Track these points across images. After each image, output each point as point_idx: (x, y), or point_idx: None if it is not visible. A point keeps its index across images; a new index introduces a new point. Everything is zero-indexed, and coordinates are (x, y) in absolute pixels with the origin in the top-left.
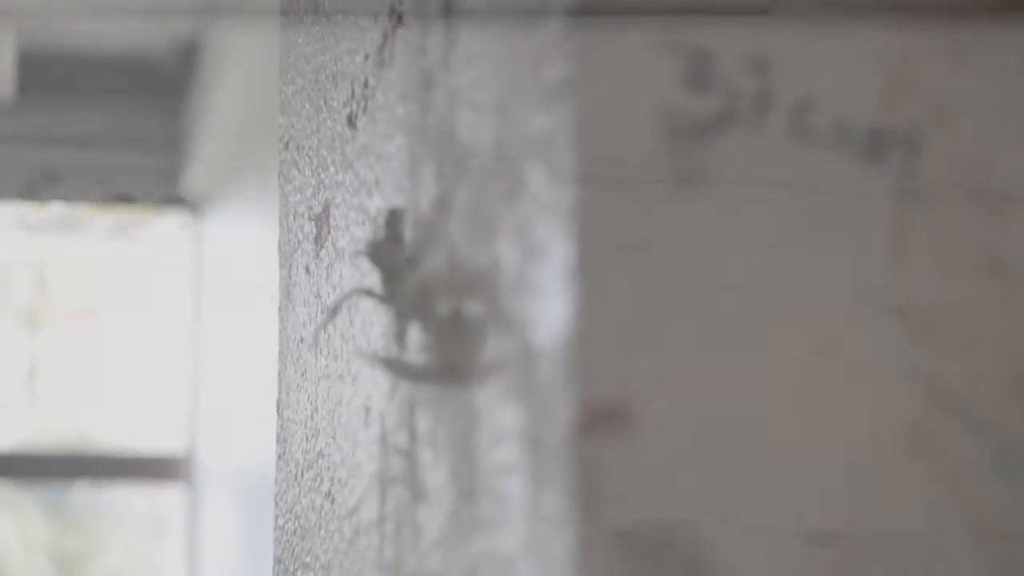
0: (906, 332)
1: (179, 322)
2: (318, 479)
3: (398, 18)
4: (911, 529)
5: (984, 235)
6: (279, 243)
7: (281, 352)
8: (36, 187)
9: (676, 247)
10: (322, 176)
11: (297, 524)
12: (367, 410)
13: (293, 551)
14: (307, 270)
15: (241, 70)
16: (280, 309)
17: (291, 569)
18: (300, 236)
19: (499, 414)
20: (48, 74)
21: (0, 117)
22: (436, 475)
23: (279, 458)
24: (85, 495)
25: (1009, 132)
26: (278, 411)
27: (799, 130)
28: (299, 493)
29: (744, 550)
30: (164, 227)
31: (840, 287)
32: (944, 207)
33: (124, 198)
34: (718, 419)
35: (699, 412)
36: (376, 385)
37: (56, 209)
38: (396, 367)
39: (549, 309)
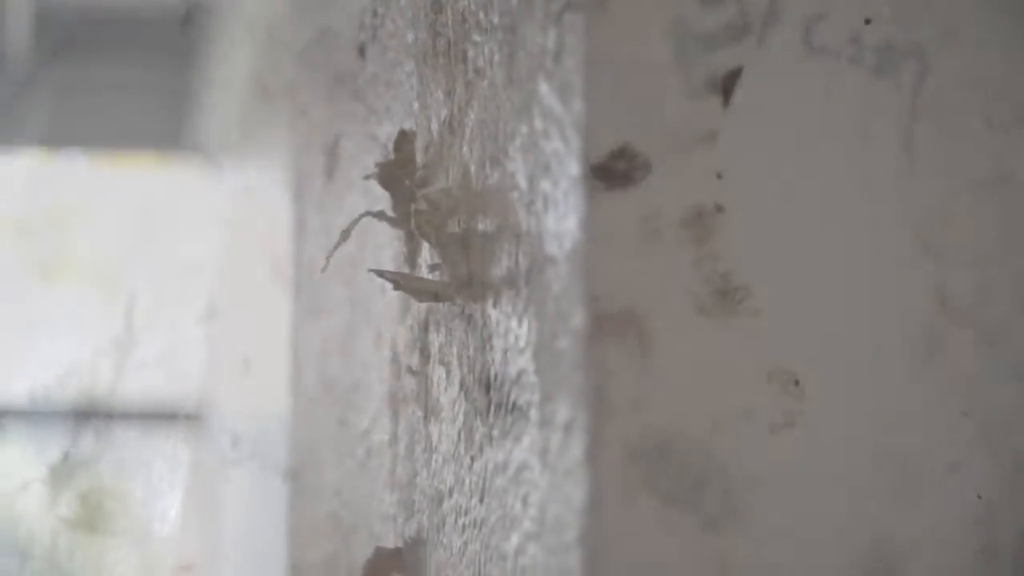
0: (918, 244)
1: (196, 268)
2: (330, 405)
3: None
4: (923, 440)
5: (994, 150)
6: (293, 178)
7: (295, 283)
8: (52, 138)
9: (687, 160)
10: (332, 109)
11: (309, 452)
12: (378, 334)
13: (306, 479)
14: (319, 201)
15: (253, 16)
16: (294, 241)
17: (304, 496)
18: (312, 169)
19: (511, 328)
20: (64, 26)
21: (17, 68)
22: (449, 392)
23: (293, 388)
24: (100, 446)
25: (1017, 51)
26: (292, 342)
27: (810, 43)
28: (312, 421)
29: (753, 456)
30: (180, 176)
31: (852, 200)
32: (955, 123)
33: (140, 147)
34: (726, 328)
35: (706, 321)
36: (387, 308)
37: (72, 160)
38: (409, 286)
39: (559, 222)
